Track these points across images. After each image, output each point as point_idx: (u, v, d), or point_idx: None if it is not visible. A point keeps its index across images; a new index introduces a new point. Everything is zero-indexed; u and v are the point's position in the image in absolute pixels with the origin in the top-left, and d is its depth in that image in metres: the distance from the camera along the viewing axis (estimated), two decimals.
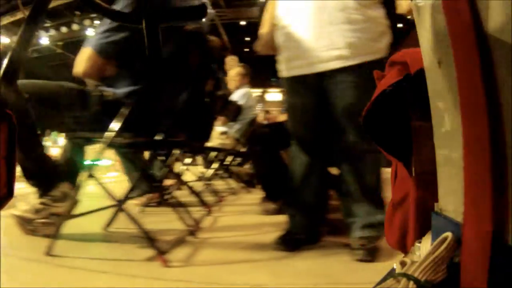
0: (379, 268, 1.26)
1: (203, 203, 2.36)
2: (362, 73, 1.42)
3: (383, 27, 1.50)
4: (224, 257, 1.42)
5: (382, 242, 1.47)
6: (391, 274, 0.53)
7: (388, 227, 0.78)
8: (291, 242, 1.51)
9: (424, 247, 0.55)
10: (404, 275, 0.49)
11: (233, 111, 3.32)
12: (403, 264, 0.53)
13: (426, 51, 0.57)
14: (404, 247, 0.71)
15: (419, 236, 0.60)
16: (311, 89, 1.51)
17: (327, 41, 1.43)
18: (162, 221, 1.85)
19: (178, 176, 2.78)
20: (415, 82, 0.63)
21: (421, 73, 0.60)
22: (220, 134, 3.80)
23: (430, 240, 0.54)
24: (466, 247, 0.46)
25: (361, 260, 1.34)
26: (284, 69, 1.58)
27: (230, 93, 3.71)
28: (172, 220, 1.78)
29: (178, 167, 3.31)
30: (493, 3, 0.43)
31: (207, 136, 2.85)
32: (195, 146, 2.48)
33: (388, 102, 0.71)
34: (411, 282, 0.48)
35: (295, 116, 1.63)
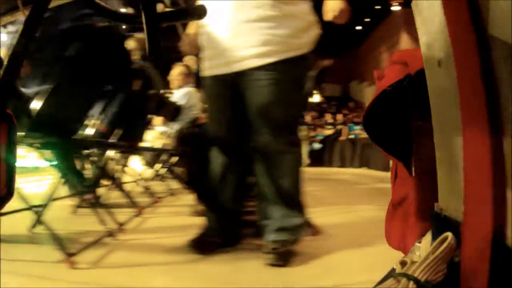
0: (291, 274, 1.23)
1: (134, 204, 2.34)
2: (280, 71, 1.38)
3: (305, 23, 1.44)
4: (135, 260, 1.39)
5: (300, 246, 1.43)
6: (391, 274, 0.53)
7: (388, 227, 0.78)
8: (205, 245, 1.46)
9: (424, 247, 0.55)
10: (404, 275, 0.49)
11: (172, 111, 3.27)
12: (403, 264, 0.53)
13: (426, 51, 0.57)
14: (404, 247, 0.71)
15: (419, 236, 0.60)
16: (229, 88, 1.47)
17: (244, 39, 1.39)
18: (91, 222, 1.80)
19: (111, 177, 2.77)
20: (415, 82, 0.63)
21: (421, 73, 0.60)
22: (161, 134, 3.77)
23: (430, 240, 0.54)
24: (466, 247, 0.46)
25: (272, 265, 1.28)
26: (205, 68, 1.54)
27: (168, 93, 3.65)
28: (98, 221, 1.75)
29: (116, 167, 3.27)
30: (493, 3, 0.43)
31: (138, 136, 2.79)
32: (120, 145, 2.43)
33: (388, 102, 0.71)
34: (411, 282, 0.48)
35: (214, 116, 1.59)
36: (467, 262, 0.45)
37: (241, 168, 1.54)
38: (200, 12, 0.62)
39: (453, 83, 0.48)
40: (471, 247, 0.45)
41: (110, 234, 1.67)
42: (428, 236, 0.56)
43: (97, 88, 1.88)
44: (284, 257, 1.32)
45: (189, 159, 2.30)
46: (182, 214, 2.35)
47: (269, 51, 1.38)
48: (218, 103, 1.54)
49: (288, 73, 1.40)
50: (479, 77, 0.44)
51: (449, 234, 0.49)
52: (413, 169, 0.70)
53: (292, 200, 1.45)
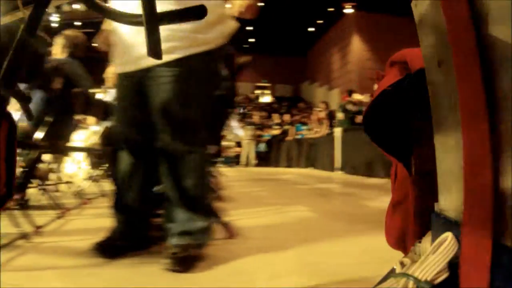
0: (193, 278, 1.20)
1: (58, 206, 2.31)
2: (183, 68, 1.34)
3: (214, 17, 1.39)
4: (41, 263, 1.36)
5: (211, 249, 1.40)
6: (391, 274, 0.53)
7: (388, 227, 0.78)
8: (110, 248, 1.41)
9: (424, 247, 0.55)
10: (404, 275, 0.49)
11: (102, 109, 3.13)
12: (403, 264, 0.53)
13: (426, 51, 0.57)
14: (404, 247, 0.71)
15: (419, 236, 0.60)
16: (136, 86, 1.42)
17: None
18: (13, 224, 1.70)
19: (38, 178, 2.73)
20: (415, 82, 0.63)
21: (421, 73, 0.60)
22: (94, 133, 3.72)
23: (430, 240, 0.54)
24: (466, 247, 0.46)
25: (172, 270, 1.24)
26: (116, 66, 1.50)
27: (101, 91, 3.56)
28: (24, 223, 1.71)
29: (47, 168, 3.21)
30: (493, 3, 0.43)
31: (64, 135, 2.73)
32: (40, 145, 2.35)
33: (388, 102, 0.71)
34: (411, 282, 0.48)
35: (120, 114, 1.54)
36: (467, 262, 0.45)
37: (148, 169, 1.48)
38: (201, 12, 0.62)
39: (453, 83, 0.48)
40: (471, 247, 0.45)
41: (24, 236, 1.62)
42: (428, 236, 0.56)
43: (6, 86, 1.87)
44: (183, 262, 1.27)
45: (112, 158, 2.25)
46: (108, 216, 2.34)
47: (171, 47, 1.32)
48: (125, 101, 1.49)
49: (192, 69, 1.35)
50: (479, 77, 0.44)
51: (449, 234, 0.49)
52: (413, 169, 0.69)
53: (196, 203, 1.40)
